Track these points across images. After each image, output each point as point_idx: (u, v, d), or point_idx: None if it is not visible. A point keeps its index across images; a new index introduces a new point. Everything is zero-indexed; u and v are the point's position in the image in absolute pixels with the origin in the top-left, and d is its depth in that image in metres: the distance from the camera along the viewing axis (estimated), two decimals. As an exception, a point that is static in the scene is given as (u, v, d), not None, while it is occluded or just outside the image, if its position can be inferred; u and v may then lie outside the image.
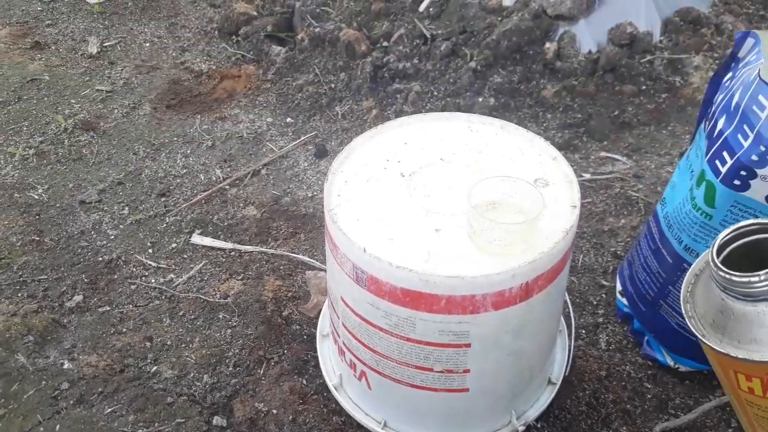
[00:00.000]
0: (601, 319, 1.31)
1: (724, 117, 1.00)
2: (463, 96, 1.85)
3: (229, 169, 1.70)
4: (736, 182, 0.96)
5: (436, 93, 1.88)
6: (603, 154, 1.72)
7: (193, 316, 1.31)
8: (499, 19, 1.96)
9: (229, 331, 1.27)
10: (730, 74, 1.07)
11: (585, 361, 1.22)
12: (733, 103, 0.98)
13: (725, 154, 0.97)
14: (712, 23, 1.98)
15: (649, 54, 1.89)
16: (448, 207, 0.94)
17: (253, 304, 1.31)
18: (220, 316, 1.31)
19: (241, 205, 1.58)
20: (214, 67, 2.11)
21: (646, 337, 1.24)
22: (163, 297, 1.36)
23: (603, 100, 1.82)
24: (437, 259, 0.86)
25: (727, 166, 0.97)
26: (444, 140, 1.06)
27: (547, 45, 1.88)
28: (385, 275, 0.87)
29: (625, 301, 1.28)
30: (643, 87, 1.84)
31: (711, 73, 1.87)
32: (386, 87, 1.90)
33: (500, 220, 0.87)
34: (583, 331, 1.28)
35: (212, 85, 2.04)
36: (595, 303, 1.34)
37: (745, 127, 0.94)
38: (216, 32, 2.31)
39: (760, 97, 0.92)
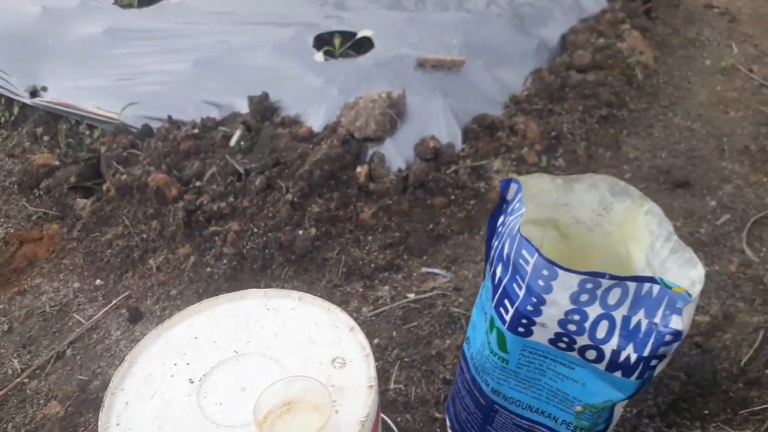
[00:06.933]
0: (439, 458, 1.29)
1: (500, 265, 1.04)
2: (283, 230, 1.83)
3: (28, 356, 1.53)
4: (520, 329, 0.99)
5: (255, 230, 1.84)
6: (424, 269, 1.76)
7: None
8: (311, 146, 1.99)
9: None
10: (502, 218, 1.13)
11: None
12: (505, 253, 1.02)
13: (506, 302, 1.01)
14: (506, 126, 2.14)
15: (454, 164, 2.00)
16: (241, 415, 0.88)
17: None
18: None
19: (42, 401, 1.41)
20: (12, 231, 1.94)
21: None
22: None
23: (417, 215, 1.89)
24: (229, 486, 0.80)
25: (510, 314, 1.00)
26: (239, 326, 1.02)
27: (359, 169, 1.93)
28: None
29: (457, 436, 1.28)
30: (452, 197, 1.93)
31: (512, 174, 2.01)
32: (202, 231, 1.84)
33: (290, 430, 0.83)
34: (423, 476, 1.26)
35: (10, 253, 1.86)
36: (432, 439, 1.33)
37: (518, 277, 0.99)
38: (15, 187, 2.14)
39: (524, 252, 0.97)
